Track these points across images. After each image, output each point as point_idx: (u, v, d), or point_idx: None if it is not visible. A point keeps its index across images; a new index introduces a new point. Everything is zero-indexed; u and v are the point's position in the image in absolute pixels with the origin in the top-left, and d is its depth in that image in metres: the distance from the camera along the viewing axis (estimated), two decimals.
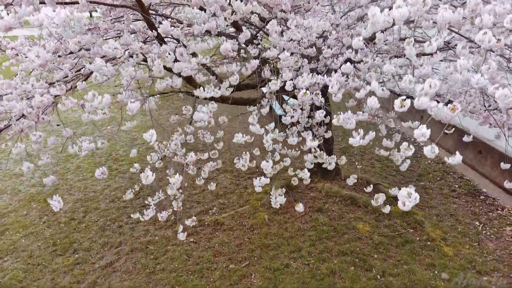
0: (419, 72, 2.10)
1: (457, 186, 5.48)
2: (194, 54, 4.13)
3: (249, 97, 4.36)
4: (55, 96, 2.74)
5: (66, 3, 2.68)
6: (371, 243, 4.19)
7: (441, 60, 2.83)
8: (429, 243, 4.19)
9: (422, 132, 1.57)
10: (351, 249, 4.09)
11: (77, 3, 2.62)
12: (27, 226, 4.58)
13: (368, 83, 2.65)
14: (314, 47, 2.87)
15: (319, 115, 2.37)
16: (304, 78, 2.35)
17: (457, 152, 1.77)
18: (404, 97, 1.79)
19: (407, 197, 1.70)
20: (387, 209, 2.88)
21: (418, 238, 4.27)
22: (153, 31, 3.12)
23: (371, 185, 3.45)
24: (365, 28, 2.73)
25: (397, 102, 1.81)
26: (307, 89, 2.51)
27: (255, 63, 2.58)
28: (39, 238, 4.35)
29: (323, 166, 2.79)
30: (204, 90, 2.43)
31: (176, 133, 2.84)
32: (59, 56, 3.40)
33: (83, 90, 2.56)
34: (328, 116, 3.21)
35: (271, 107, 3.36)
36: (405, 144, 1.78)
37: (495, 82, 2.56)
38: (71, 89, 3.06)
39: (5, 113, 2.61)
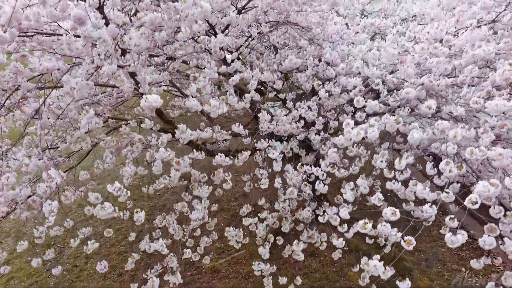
0: (390, 185, 2.30)
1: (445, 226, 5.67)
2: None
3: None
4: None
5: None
6: None
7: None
8: None
9: (374, 263, 1.78)
10: None
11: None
12: (31, 274, 4.77)
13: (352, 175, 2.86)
14: (302, 133, 3.07)
15: (306, 213, 2.57)
16: (291, 175, 2.55)
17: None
18: (366, 220, 2.03)
19: None
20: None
21: None
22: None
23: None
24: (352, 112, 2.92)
25: (360, 223, 2.03)
26: (313, 175, 2.72)
27: (247, 154, 2.78)
28: None
29: (315, 245, 2.98)
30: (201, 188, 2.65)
31: (173, 216, 3.03)
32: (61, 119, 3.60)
33: (84, 179, 2.76)
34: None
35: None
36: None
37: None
38: (71, 169, 3.26)
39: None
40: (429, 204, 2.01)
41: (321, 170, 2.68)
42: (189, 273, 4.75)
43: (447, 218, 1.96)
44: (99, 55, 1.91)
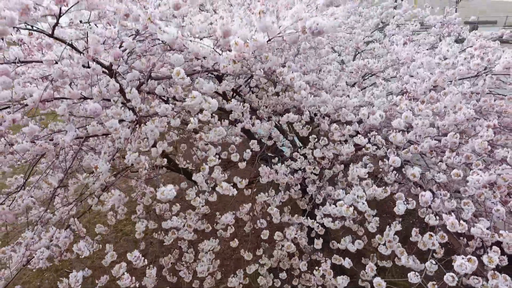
0: (381, 250, 2.54)
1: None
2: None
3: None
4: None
5: None
6: None
7: None
8: None
9: None
10: None
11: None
12: None
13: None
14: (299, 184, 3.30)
15: (302, 267, 2.80)
16: (290, 231, 2.78)
17: None
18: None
19: None
20: None
21: None
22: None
23: None
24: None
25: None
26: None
27: (248, 207, 3.00)
28: None
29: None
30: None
31: (185, 269, 3.24)
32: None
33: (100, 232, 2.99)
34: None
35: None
36: None
37: None
38: (84, 214, 3.46)
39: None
40: (414, 272, 2.23)
41: (317, 223, 2.91)
42: None
43: (429, 284, 2.18)
44: (119, 138, 2.12)
